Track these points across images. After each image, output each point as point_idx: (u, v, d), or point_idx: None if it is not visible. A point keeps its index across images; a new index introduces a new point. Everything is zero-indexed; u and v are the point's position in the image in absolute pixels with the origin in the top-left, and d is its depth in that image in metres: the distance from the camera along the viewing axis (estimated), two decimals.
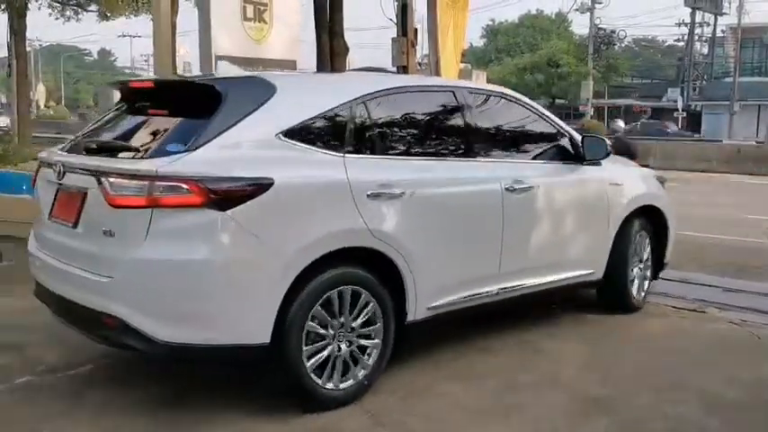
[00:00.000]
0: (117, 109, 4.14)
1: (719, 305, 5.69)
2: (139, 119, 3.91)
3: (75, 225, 3.52)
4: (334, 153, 3.63)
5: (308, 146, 3.55)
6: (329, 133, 3.69)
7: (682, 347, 4.67)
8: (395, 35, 9.71)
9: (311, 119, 3.61)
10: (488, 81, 22.89)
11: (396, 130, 4.09)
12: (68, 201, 3.61)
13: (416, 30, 10.30)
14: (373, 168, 3.75)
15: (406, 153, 4.05)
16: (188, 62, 27.81)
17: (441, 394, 3.80)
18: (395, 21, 10.18)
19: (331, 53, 11.16)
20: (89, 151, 3.65)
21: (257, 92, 3.60)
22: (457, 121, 4.34)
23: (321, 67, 11.10)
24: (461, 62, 14.21)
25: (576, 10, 44.22)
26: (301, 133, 3.55)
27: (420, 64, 18.62)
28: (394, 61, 9.71)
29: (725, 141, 28.61)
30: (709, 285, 6.34)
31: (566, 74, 42.55)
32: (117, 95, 4.31)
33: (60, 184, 3.67)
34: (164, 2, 6.40)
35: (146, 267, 3.19)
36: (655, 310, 5.49)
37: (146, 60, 55.95)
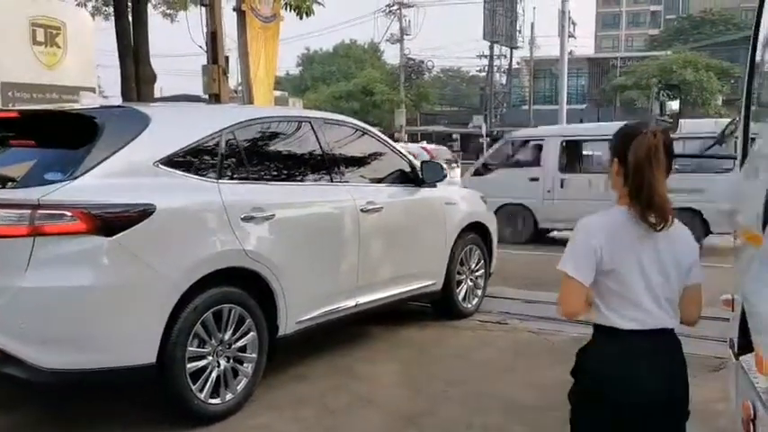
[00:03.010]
0: None
1: (520, 316, 6.14)
2: (1, 150, 3.85)
3: None
4: (209, 179, 3.84)
5: (184, 173, 3.73)
6: (203, 161, 3.89)
7: (487, 358, 4.97)
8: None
9: (185, 147, 3.79)
10: (305, 108, 23.14)
11: (263, 157, 4.42)
12: None
13: (227, 57, 10.18)
14: (245, 193, 4.01)
15: (274, 178, 4.38)
16: None
17: (256, 426, 3.74)
18: (204, 48, 10.00)
19: (137, 80, 10.73)
20: None
21: (132, 122, 3.73)
22: (315, 148, 4.69)
23: (127, 94, 10.63)
24: (276, 89, 14.27)
25: (387, 41, 46.16)
26: (177, 161, 3.72)
27: (236, 92, 18.43)
28: (205, 89, 9.52)
29: None
30: (512, 298, 6.82)
31: (380, 102, 44.10)
32: None
33: None
34: None
35: (28, 296, 3.17)
36: (463, 325, 5.81)
37: None
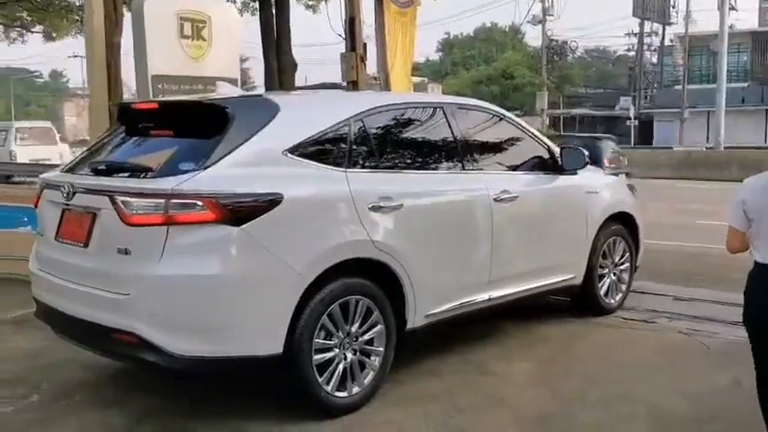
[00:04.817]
0: (115, 130, 4.22)
1: (669, 315, 5.65)
2: (144, 139, 3.99)
3: (86, 245, 3.54)
4: (336, 168, 3.78)
5: (312, 162, 3.69)
6: (331, 149, 3.83)
7: (631, 359, 4.61)
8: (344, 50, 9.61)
9: (313, 136, 3.75)
10: (444, 94, 23.02)
11: (391, 144, 4.29)
12: (78, 221, 3.64)
13: (365, 44, 10.22)
14: (373, 182, 3.91)
15: (403, 167, 4.26)
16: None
17: (383, 422, 3.66)
18: (343, 36, 10.10)
19: (279, 70, 11.07)
20: (98, 172, 3.76)
21: (262, 111, 3.75)
22: (446, 135, 4.50)
23: (269, 84, 11.00)
24: (415, 75, 14.22)
25: (529, 22, 44.83)
26: (305, 150, 3.69)
27: (375, 78, 18.60)
28: (343, 77, 9.61)
29: (675, 148, 29.17)
30: (660, 294, 6.29)
31: (520, 85, 43.10)
32: None
33: (68, 204, 3.69)
34: (96, 21, 6.23)
35: (163, 283, 3.25)
36: (605, 322, 5.44)
37: None
